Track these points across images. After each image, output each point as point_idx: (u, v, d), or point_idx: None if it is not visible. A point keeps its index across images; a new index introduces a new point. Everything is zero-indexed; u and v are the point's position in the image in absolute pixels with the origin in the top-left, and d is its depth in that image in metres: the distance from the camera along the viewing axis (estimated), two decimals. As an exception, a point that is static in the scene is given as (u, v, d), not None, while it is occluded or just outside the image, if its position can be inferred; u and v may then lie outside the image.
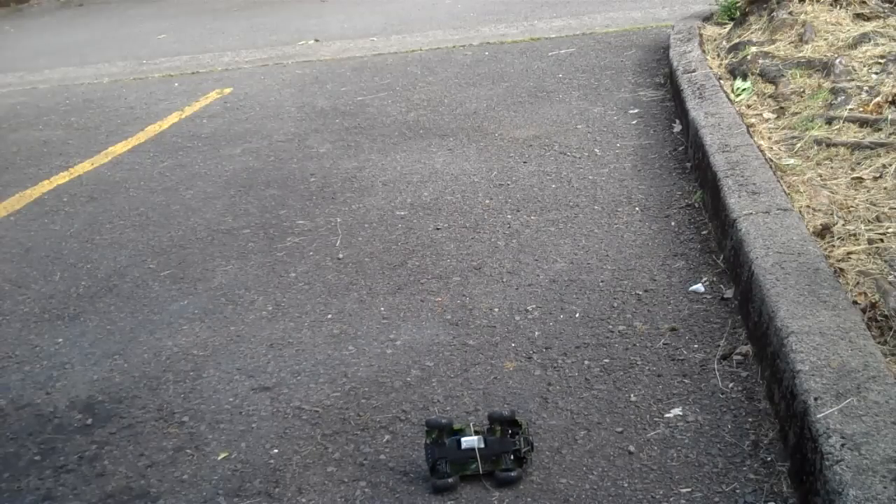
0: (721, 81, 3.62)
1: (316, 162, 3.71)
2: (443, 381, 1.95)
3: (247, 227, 3.08)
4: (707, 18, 5.20)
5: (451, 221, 2.89)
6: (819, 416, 1.41)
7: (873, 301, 1.79)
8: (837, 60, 3.39)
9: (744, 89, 3.52)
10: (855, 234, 2.12)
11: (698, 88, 3.51)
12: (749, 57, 3.82)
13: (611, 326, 2.11)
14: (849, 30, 3.81)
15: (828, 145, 2.72)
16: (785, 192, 2.37)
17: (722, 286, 2.23)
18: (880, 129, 2.75)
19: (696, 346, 1.98)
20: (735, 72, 3.76)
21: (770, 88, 3.43)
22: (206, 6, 10.14)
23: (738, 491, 1.50)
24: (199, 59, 6.71)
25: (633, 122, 3.74)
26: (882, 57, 3.40)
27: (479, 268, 2.52)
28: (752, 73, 3.64)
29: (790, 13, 4.16)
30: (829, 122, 2.90)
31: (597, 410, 1.78)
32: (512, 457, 1.60)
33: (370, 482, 1.64)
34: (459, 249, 2.67)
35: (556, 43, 5.63)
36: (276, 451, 1.78)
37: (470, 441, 1.61)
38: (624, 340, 2.04)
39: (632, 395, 1.82)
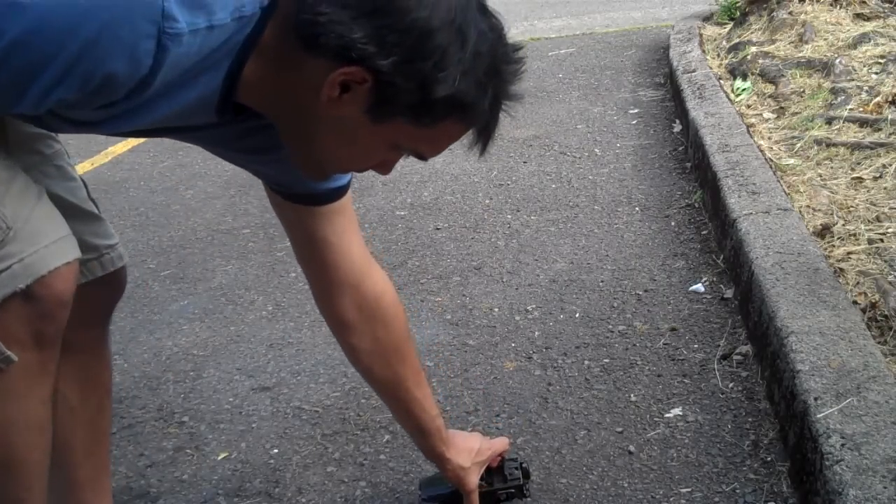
0: (721, 81, 3.63)
1: (316, 162, 3.71)
2: (443, 381, 1.95)
3: (247, 227, 3.08)
4: (707, 18, 5.21)
5: (451, 221, 2.89)
6: (819, 416, 1.41)
7: (873, 301, 1.79)
8: (837, 60, 3.39)
9: (744, 89, 3.52)
10: (855, 234, 2.12)
11: (698, 88, 3.51)
12: (749, 57, 3.82)
13: (611, 326, 2.11)
14: (849, 30, 3.82)
15: (828, 145, 2.72)
16: (785, 192, 2.37)
17: (722, 286, 2.23)
18: (880, 129, 2.75)
19: (696, 346, 1.98)
20: (735, 72, 3.76)
21: (770, 88, 3.43)
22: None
23: (738, 491, 1.50)
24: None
25: (633, 122, 3.74)
26: (882, 57, 3.40)
27: (479, 268, 2.52)
28: (752, 73, 3.64)
29: (790, 13, 4.17)
30: (829, 122, 2.90)
31: (597, 410, 1.78)
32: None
33: (370, 482, 1.64)
34: (459, 249, 2.67)
35: (556, 43, 5.63)
36: (276, 451, 1.78)
37: None
38: (624, 340, 2.04)
39: (632, 395, 1.82)
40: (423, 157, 1.05)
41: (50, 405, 1.10)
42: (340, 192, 1.25)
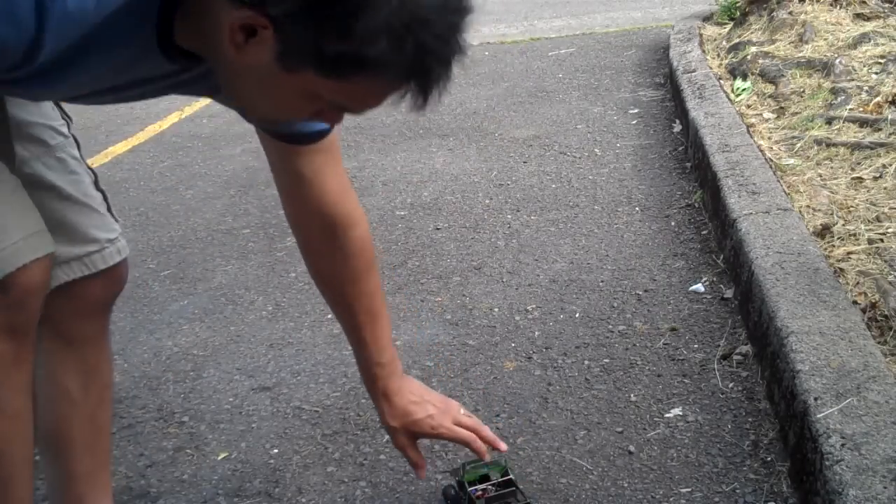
0: (721, 81, 3.63)
1: (316, 162, 3.70)
2: (443, 381, 1.95)
3: (247, 227, 3.08)
4: (707, 18, 5.21)
5: (451, 221, 2.89)
6: (819, 416, 1.41)
7: (873, 301, 1.79)
8: (837, 60, 3.39)
9: (744, 89, 3.52)
10: (855, 234, 2.12)
11: (698, 88, 3.51)
12: (749, 57, 3.82)
13: (611, 326, 2.11)
14: (849, 30, 3.82)
15: (828, 145, 2.72)
16: (785, 192, 2.37)
17: (722, 286, 2.23)
18: (880, 129, 2.75)
19: (696, 346, 1.98)
20: (735, 72, 3.76)
21: (770, 88, 3.43)
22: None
23: (738, 491, 1.50)
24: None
25: (633, 122, 3.74)
26: (882, 57, 3.40)
27: (479, 268, 2.52)
28: (752, 73, 3.64)
29: (790, 13, 4.17)
30: (829, 122, 2.90)
31: (597, 410, 1.78)
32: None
33: (370, 482, 1.64)
34: (459, 249, 2.67)
35: (556, 43, 5.63)
36: (276, 451, 1.78)
37: None
38: (624, 340, 2.04)
39: (632, 395, 1.82)
40: (349, 111, 0.97)
41: (29, 395, 1.11)
42: (324, 133, 1.21)
